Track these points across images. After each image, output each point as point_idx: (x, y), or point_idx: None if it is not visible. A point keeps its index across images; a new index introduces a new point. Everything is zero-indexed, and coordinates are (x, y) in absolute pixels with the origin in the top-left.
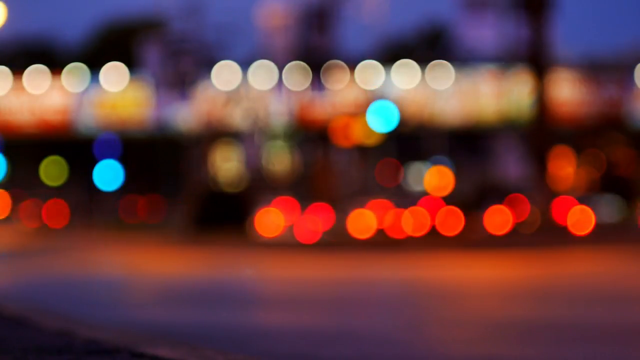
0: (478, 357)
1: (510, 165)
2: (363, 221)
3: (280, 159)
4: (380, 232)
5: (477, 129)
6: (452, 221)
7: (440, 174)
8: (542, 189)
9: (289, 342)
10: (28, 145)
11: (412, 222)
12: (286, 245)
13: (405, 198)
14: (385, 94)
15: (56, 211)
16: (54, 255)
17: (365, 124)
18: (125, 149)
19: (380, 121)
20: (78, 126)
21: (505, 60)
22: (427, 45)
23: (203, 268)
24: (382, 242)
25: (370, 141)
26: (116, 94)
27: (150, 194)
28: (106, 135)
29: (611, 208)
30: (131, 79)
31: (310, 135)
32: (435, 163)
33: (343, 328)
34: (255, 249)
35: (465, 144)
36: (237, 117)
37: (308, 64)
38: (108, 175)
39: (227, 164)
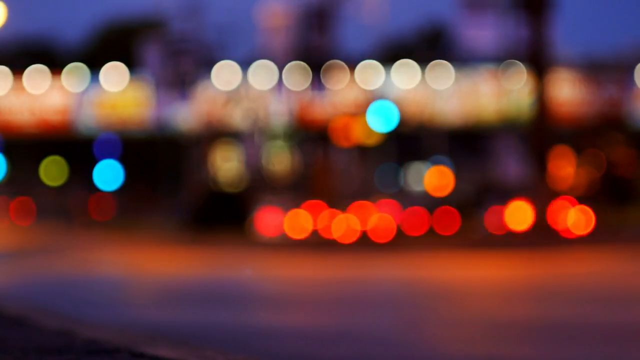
0: (478, 357)
1: (510, 165)
2: (347, 224)
3: (280, 159)
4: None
5: (477, 129)
6: (449, 221)
7: (440, 174)
8: (542, 189)
9: (289, 342)
10: (28, 145)
11: (411, 221)
12: (286, 245)
13: (407, 198)
14: (385, 94)
15: (23, 209)
16: (54, 255)
17: (365, 124)
18: (125, 149)
19: (380, 121)
20: (78, 126)
21: (505, 60)
22: (427, 45)
23: (203, 268)
24: (380, 242)
25: (370, 141)
26: (116, 94)
27: (98, 192)
28: (106, 135)
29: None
30: (131, 79)
31: (310, 135)
32: (435, 163)
33: (343, 328)
34: (255, 249)
35: (465, 144)
36: (237, 117)
37: (308, 64)
38: (108, 175)
39: (227, 164)
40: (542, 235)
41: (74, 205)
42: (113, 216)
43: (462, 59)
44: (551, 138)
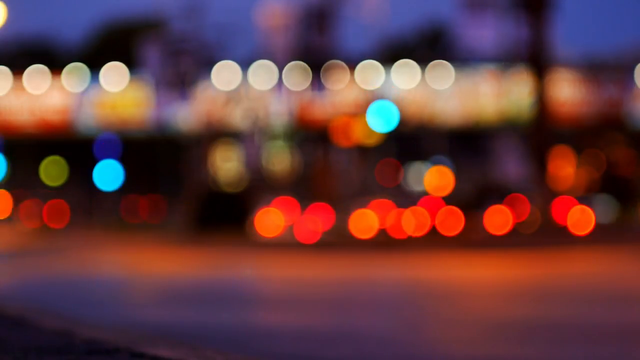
0: (478, 357)
1: (510, 165)
2: (365, 221)
3: (280, 159)
4: (381, 232)
5: (477, 129)
6: (452, 221)
7: (440, 174)
8: (542, 189)
9: (289, 342)
10: (28, 145)
11: (412, 222)
12: (286, 245)
13: (406, 198)
14: (385, 94)
15: (56, 211)
16: (54, 255)
17: (365, 124)
18: (125, 149)
19: (380, 121)
20: (78, 126)
21: (505, 60)
22: (427, 45)
23: (203, 268)
24: (382, 242)
25: (370, 141)
26: (116, 94)
27: (151, 194)
28: (106, 135)
29: (610, 208)
30: (131, 79)
31: (310, 135)
32: (435, 163)
33: (343, 328)
34: (255, 249)
35: (465, 144)
36: (237, 117)
37: (308, 64)
38: (108, 175)
39: (227, 164)
40: (543, 235)
41: (125, 207)
42: (164, 218)
43: (462, 59)
44: (551, 138)
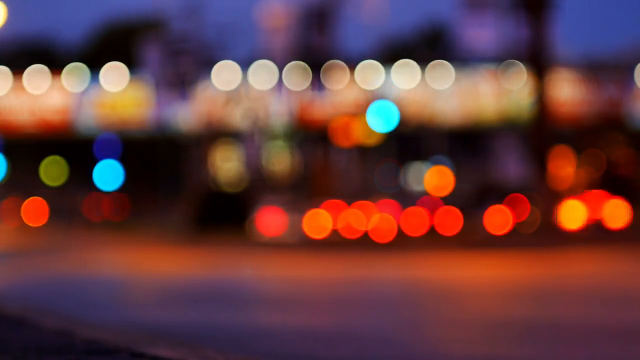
0: (478, 357)
1: (510, 165)
2: (318, 221)
3: (280, 159)
4: (334, 232)
5: (477, 129)
6: (451, 221)
7: (440, 174)
8: (542, 189)
9: (289, 342)
10: (28, 145)
11: (411, 222)
12: (286, 245)
13: (405, 198)
14: (385, 94)
15: (35, 209)
16: (50, 254)
17: (365, 124)
18: (125, 149)
19: (380, 121)
20: (78, 126)
21: (505, 60)
22: (427, 45)
23: (203, 268)
24: (381, 242)
25: (370, 141)
26: (116, 94)
27: (115, 192)
28: (106, 135)
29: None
30: (131, 79)
31: (310, 135)
32: (435, 163)
33: (343, 328)
34: (255, 249)
35: (465, 144)
36: (237, 117)
37: (308, 64)
38: (108, 175)
39: (227, 164)
40: (543, 235)
41: (88, 206)
42: (128, 217)
43: (462, 59)
44: (551, 138)
